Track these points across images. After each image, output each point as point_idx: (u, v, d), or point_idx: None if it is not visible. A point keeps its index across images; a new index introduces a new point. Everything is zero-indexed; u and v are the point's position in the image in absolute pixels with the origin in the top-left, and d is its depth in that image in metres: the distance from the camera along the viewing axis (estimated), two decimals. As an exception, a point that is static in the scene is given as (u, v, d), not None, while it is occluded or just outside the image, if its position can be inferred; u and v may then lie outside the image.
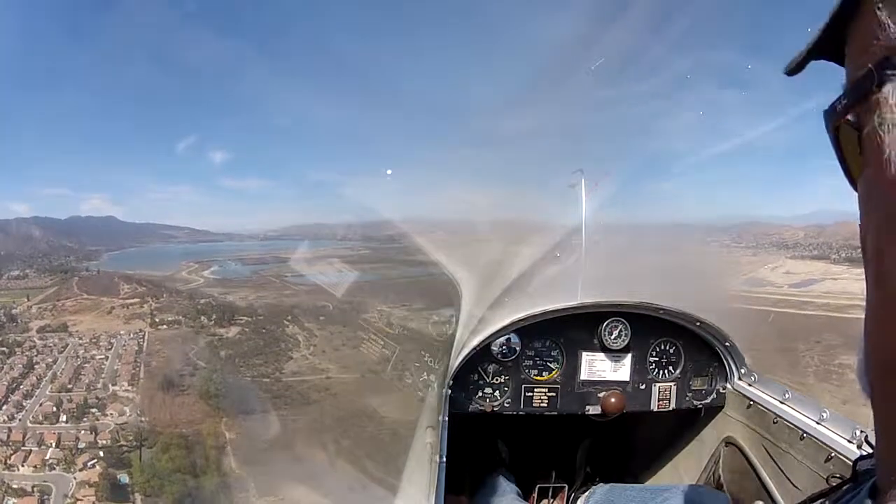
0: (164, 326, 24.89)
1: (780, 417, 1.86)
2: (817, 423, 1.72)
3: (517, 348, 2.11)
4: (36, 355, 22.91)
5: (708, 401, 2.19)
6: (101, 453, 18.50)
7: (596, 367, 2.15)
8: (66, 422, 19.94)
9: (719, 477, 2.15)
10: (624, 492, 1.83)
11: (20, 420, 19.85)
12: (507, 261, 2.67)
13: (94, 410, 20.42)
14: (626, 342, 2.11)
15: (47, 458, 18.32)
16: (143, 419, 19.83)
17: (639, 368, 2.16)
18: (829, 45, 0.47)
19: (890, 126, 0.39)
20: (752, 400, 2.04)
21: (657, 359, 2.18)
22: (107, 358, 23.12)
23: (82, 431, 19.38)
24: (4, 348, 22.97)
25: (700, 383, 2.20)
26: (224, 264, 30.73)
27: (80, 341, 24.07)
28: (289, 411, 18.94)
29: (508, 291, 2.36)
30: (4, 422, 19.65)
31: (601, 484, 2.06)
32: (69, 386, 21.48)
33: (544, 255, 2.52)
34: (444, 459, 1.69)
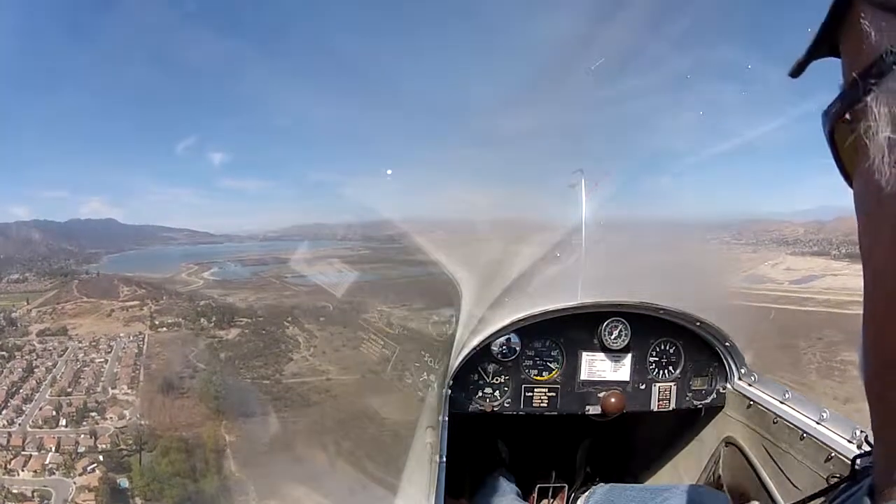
0: (164, 329, 24.87)
1: (780, 417, 1.86)
2: (817, 423, 1.72)
3: (517, 348, 2.11)
4: (35, 359, 22.88)
5: (708, 401, 2.19)
6: (101, 457, 18.48)
7: (596, 367, 2.15)
8: (66, 426, 19.91)
9: (719, 477, 2.15)
10: (624, 492, 1.83)
11: (20, 424, 19.82)
12: (507, 261, 2.67)
13: (93, 414, 20.39)
14: (626, 342, 2.11)
15: (47, 462, 18.29)
16: (142, 423, 19.80)
17: (639, 368, 2.16)
18: (826, 48, 0.48)
19: (873, 134, 0.41)
20: (752, 400, 2.04)
21: (657, 359, 2.18)
22: (106, 361, 23.09)
23: (82, 435, 19.35)
24: (4, 352, 22.94)
25: (700, 383, 2.20)
26: (224, 266, 30.73)
27: (80, 345, 24.04)
28: (289, 413, 18.92)
29: (508, 291, 2.35)
30: (4, 426, 19.61)
31: (601, 484, 2.06)
32: (69, 390, 21.45)
33: (544, 254, 2.51)
34: (444, 459, 1.68)
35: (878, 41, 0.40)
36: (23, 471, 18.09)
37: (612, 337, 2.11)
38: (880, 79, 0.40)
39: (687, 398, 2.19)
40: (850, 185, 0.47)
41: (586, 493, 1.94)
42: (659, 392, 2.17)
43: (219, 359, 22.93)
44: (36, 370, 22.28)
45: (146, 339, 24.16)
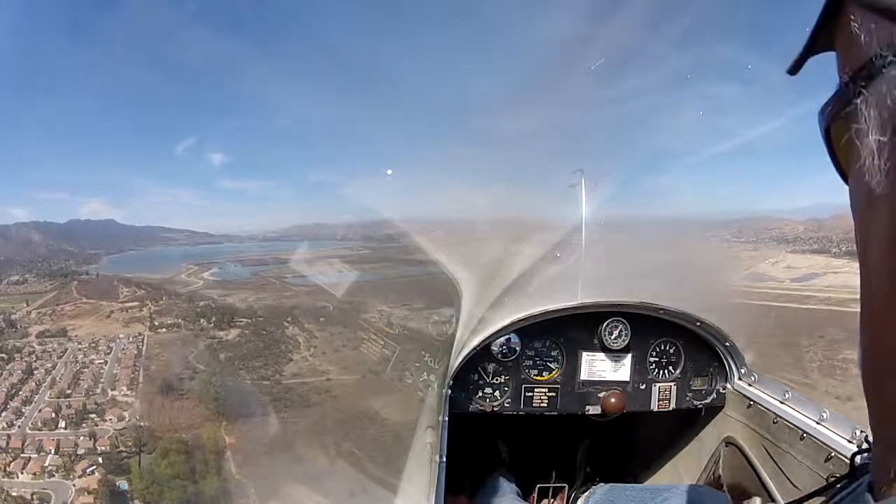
0: (164, 330, 24.87)
1: (780, 417, 1.86)
2: (817, 423, 1.72)
3: (517, 348, 2.11)
4: (35, 361, 22.87)
5: (708, 401, 2.19)
6: (101, 459, 18.46)
7: (596, 367, 2.15)
8: (65, 428, 19.89)
9: (719, 477, 2.15)
10: (624, 492, 1.83)
11: (19, 427, 19.80)
12: (507, 260, 2.66)
13: (93, 416, 20.38)
14: (626, 342, 2.11)
15: (46, 464, 18.27)
16: (142, 424, 19.78)
17: (639, 368, 2.16)
18: (823, 44, 0.48)
19: (864, 136, 0.41)
20: (752, 400, 2.04)
21: (657, 359, 2.18)
22: (106, 362, 23.08)
23: (81, 437, 19.34)
24: (3, 354, 22.92)
25: (700, 383, 2.20)
26: (224, 266, 30.74)
27: (80, 346, 24.04)
28: (289, 414, 18.91)
29: (508, 291, 2.35)
30: (4, 428, 19.59)
31: (601, 484, 2.06)
32: (68, 391, 21.44)
33: (544, 254, 2.51)
34: (444, 459, 1.68)
35: (868, 43, 0.40)
36: (22, 473, 18.07)
37: (613, 337, 2.11)
38: (870, 81, 0.40)
39: (687, 398, 2.19)
40: (846, 182, 0.47)
41: (586, 493, 1.94)
42: (659, 392, 2.18)
43: (218, 359, 22.92)
44: (35, 372, 22.27)
45: (146, 340, 24.15)
